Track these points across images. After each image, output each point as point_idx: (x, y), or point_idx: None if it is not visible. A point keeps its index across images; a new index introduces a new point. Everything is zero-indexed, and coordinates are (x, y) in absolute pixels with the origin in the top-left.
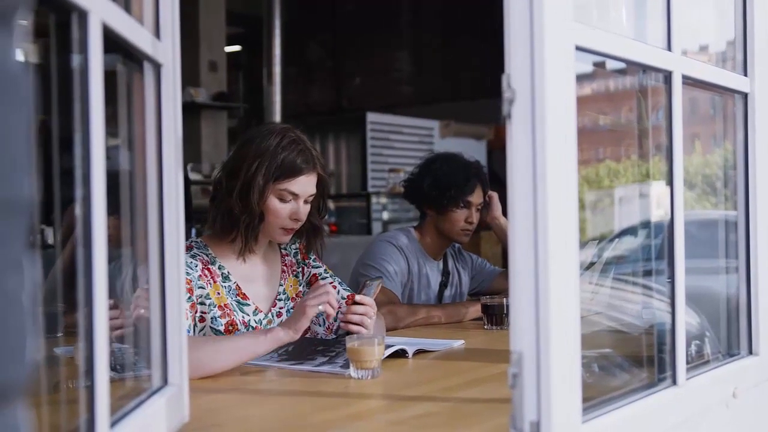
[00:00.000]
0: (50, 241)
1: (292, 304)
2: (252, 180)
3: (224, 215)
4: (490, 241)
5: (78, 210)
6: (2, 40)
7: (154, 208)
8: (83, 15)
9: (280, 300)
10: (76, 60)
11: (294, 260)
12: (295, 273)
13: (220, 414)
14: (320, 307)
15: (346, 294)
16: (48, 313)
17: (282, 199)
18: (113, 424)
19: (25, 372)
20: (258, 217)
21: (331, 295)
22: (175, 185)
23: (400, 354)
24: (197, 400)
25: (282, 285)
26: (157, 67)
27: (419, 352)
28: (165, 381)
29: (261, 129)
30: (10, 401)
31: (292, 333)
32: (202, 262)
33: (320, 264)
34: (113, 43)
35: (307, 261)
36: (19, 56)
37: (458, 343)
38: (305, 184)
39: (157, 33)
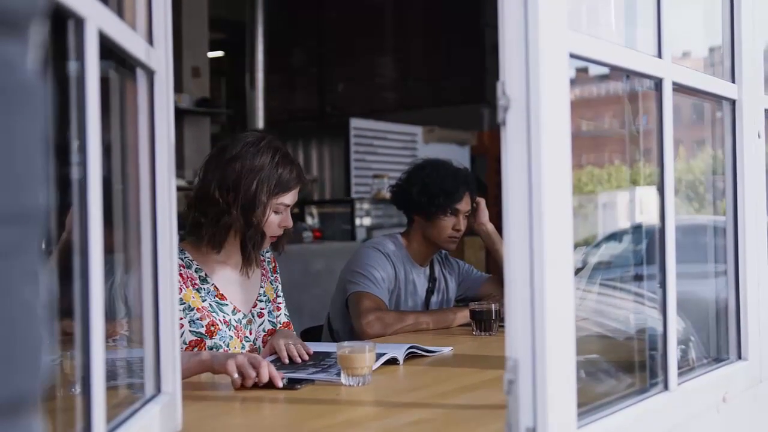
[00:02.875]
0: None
1: (272, 306)
2: (255, 198)
3: (224, 230)
4: (474, 247)
5: (74, 217)
6: (17, 50)
7: (147, 215)
8: (80, 22)
9: (261, 301)
10: (72, 66)
11: (268, 268)
12: (270, 280)
13: (213, 422)
14: (235, 375)
15: (284, 320)
16: None
17: (277, 212)
18: None
19: (40, 382)
20: (261, 234)
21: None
22: (168, 192)
23: (391, 361)
24: (190, 408)
25: (263, 287)
26: (150, 73)
27: (411, 357)
28: (158, 389)
29: (244, 142)
30: (26, 411)
31: (213, 364)
32: None
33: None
34: (107, 49)
35: (275, 275)
36: (34, 65)
37: (447, 350)
38: (295, 195)
39: (150, 40)
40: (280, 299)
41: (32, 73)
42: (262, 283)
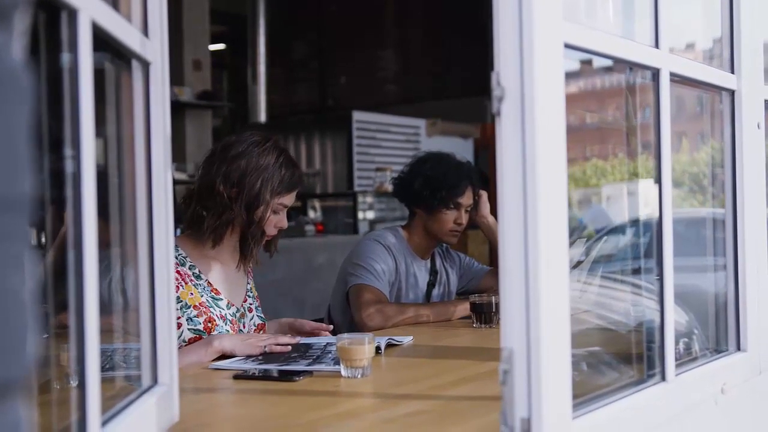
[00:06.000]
0: (33, 241)
1: (257, 303)
2: (258, 196)
3: (225, 225)
4: (477, 240)
5: (68, 211)
6: (1, 39)
7: (143, 208)
8: (73, 13)
9: (249, 296)
10: (65, 58)
11: (250, 267)
12: (252, 278)
13: (210, 414)
14: (266, 349)
15: (258, 322)
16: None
17: (275, 212)
18: (104, 423)
19: (26, 369)
20: (262, 231)
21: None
22: (164, 185)
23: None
24: (187, 399)
25: (249, 284)
26: (145, 65)
27: (389, 346)
28: (155, 380)
29: (249, 141)
30: (11, 397)
31: (229, 345)
32: None
33: None
34: (101, 41)
35: (251, 276)
36: (19, 53)
37: (407, 339)
38: (294, 197)
39: (145, 31)
40: (254, 304)
41: (17, 62)
42: (249, 280)
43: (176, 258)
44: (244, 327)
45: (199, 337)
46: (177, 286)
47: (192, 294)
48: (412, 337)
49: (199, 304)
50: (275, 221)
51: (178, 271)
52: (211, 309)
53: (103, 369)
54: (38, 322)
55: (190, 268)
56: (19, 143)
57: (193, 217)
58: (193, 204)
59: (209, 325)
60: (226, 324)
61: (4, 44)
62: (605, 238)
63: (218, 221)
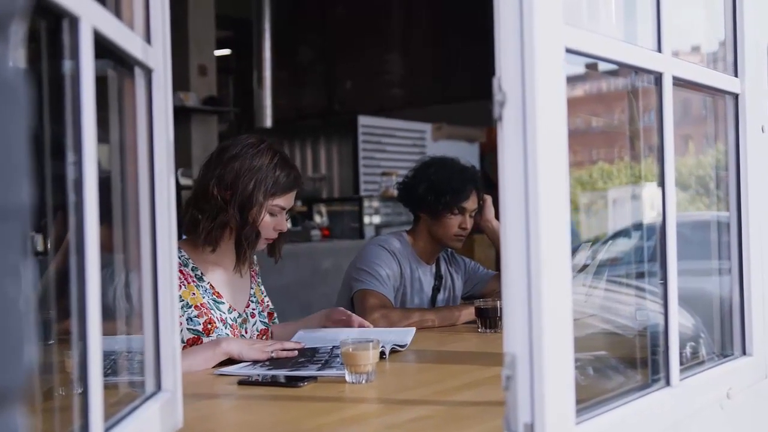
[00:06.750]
0: (39, 248)
1: (261, 308)
2: (252, 197)
3: (220, 227)
4: (483, 245)
5: (70, 217)
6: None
7: (146, 214)
8: (74, 21)
9: (252, 302)
10: (66, 65)
11: (257, 270)
12: (257, 283)
13: (214, 420)
14: (273, 354)
15: (261, 327)
16: (40, 320)
17: (272, 214)
18: (107, 429)
19: (23, 376)
20: (256, 233)
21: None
22: (166, 191)
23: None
24: (190, 406)
25: (252, 289)
26: (148, 72)
27: (393, 352)
28: (158, 387)
29: (244, 143)
30: (8, 405)
31: (236, 348)
32: None
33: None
34: (103, 48)
35: (258, 278)
36: (16, 63)
37: (410, 334)
38: (292, 198)
39: (147, 38)
40: (267, 299)
41: (14, 71)
42: (252, 285)
43: (179, 258)
44: (246, 332)
45: (198, 338)
46: (179, 285)
47: (194, 294)
48: (414, 329)
49: (201, 304)
50: (274, 224)
51: (180, 271)
52: (212, 311)
53: (106, 375)
54: (36, 331)
55: (192, 270)
56: (17, 152)
57: (190, 221)
58: (191, 208)
59: (209, 326)
60: (226, 327)
61: (2, 53)
62: (611, 241)
63: (213, 224)
